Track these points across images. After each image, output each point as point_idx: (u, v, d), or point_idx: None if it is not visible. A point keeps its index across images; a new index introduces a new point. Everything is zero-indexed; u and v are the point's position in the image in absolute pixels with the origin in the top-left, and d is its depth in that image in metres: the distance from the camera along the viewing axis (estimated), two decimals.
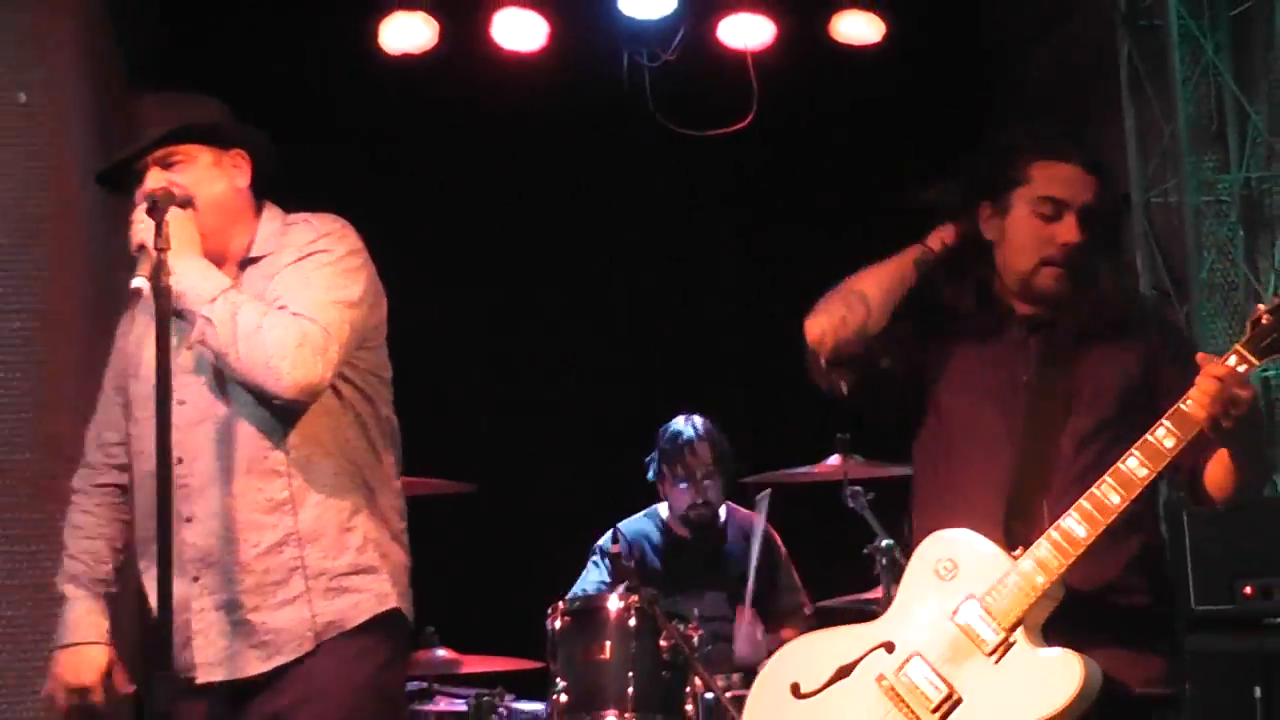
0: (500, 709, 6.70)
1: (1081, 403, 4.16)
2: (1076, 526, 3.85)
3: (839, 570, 7.34)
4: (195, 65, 8.86)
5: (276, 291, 4.42)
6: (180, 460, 4.38)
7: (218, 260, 4.47)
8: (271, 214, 4.68)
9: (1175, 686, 4.21)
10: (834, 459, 6.98)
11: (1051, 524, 3.94)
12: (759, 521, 7.23)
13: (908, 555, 4.28)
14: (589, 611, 6.46)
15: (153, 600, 4.34)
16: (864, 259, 8.27)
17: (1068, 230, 4.11)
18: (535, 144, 8.92)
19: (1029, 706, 3.85)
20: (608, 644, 6.32)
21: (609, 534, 7.26)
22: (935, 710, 3.95)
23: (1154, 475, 3.88)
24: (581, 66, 8.60)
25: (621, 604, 6.36)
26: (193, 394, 4.46)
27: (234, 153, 4.62)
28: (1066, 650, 3.86)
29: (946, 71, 9.34)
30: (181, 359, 4.44)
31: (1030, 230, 4.17)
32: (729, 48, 8.55)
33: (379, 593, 4.46)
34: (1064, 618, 3.95)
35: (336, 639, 4.39)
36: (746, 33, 8.49)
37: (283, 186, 4.75)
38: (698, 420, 7.48)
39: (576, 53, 8.56)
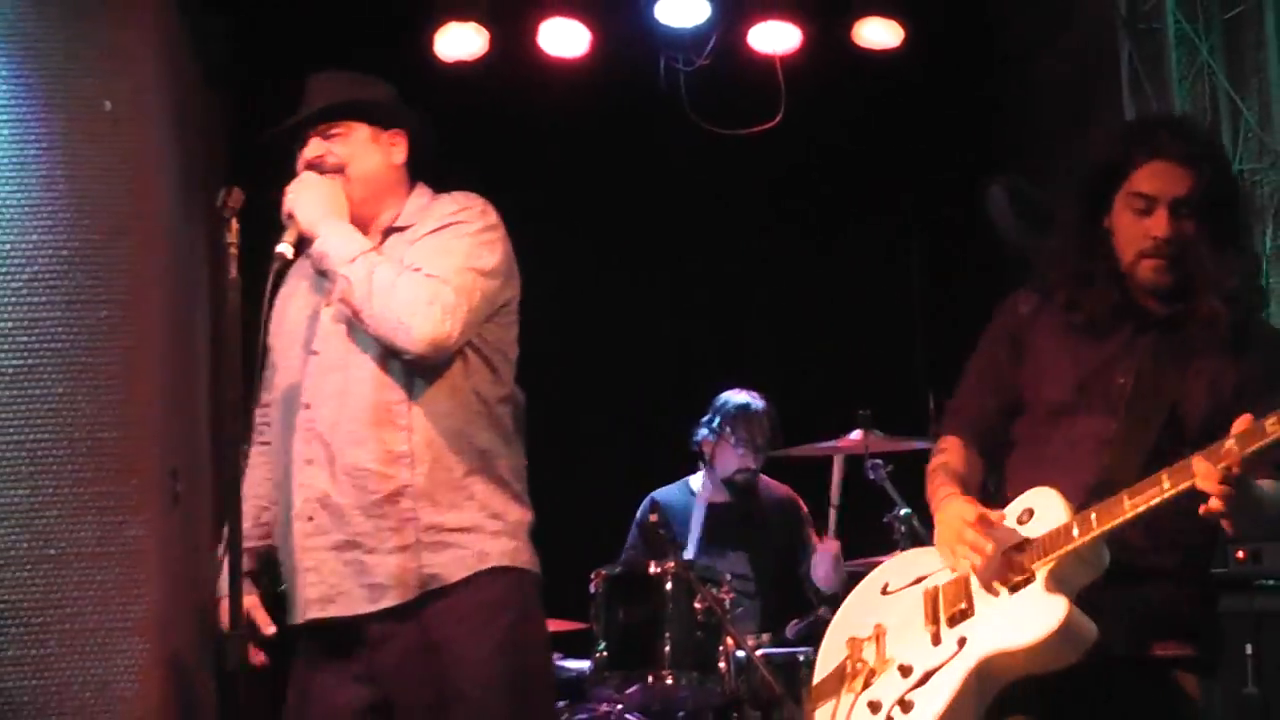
0: None
1: (1175, 419, 4.07)
2: (1127, 499, 3.79)
3: (859, 537, 7.39)
4: (263, 75, 9.06)
5: (414, 257, 4.49)
6: (308, 405, 4.54)
7: (364, 227, 4.58)
8: (421, 191, 4.80)
9: (1198, 648, 4.12)
10: (856, 434, 7.04)
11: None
12: (836, 468, 7.32)
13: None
14: (628, 578, 6.55)
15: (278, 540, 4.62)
16: (882, 247, 8.40)
17: (1158, 224, 4.05)
18: (579, 142, 8.98)
19: (1006, 634, 3.88)
20: (646, 607, 6.43)
21: (646, 503, 7.39)
22: (949, 619, 4.03)
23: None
24: (621, 71, 8.64)
25: (658, 570, 6.45)
26: (329, 346, 4.56)
27: (393, 132, 4.76)
28: (1063, 598, 3.84)
29: (960, 72, 9.34)
30: (323, 313, 4.59)
31: (1126, 226, 4.13)
32: (759, 53, 8.59)
33: (481, 551, 4.49)
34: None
35: (439, 590, 4.43)
36: (775, 38, 8.54)
37: (440, 168, 4.86)
38: (760, 397, 7.58)
39: (617, 58, 8.60)
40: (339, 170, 4.62)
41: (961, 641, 3.98)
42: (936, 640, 4.05)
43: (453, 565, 4.44)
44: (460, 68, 8.37)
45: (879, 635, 4.22)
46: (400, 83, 8.32)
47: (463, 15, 8.28)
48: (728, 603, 6.44)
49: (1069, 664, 3.89)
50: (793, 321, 9.20)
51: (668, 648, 6.35)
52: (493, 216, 4.67)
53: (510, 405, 4.73)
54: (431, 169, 4.91)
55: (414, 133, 4.83)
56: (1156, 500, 3.75)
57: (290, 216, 4.48)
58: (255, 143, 4.79)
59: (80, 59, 7.36)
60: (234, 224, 4.27)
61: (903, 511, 6.82)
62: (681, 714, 6.85)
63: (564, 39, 8.47)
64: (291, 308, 4.76)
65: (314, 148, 4.68)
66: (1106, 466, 4.04)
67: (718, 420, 7.58)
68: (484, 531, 4.51)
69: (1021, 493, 4.12)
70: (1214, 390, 4.08)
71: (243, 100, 9.17)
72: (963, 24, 9.27)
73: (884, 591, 4.37)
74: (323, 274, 4.52)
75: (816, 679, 4.34)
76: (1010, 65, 9.57)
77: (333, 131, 4.69)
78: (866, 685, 4.13)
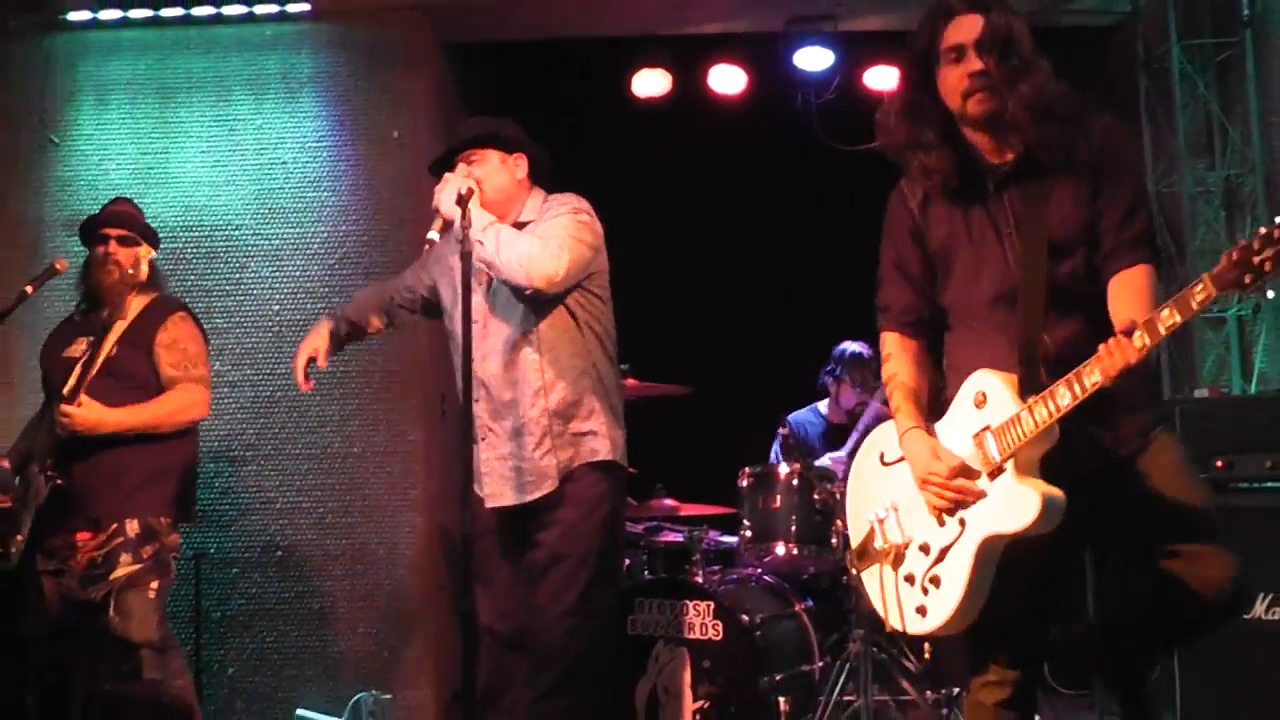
0: (706, 540, 6.72)
1: (1058, 243, 3.69)
2: (1063, 388, 3.47)
3: None
4: (509, 109, 9.27)
5: (535, 233, 4.65)
6: (478, 358, 4.71)
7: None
8: (537, 193, 4.90)
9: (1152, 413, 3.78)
10: None
11: (1049, 373, 3.57)
12: None
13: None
14: (766, 475, 6.56)
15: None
16: None
17: (970, 63, 3.65)
18: (738, 156, 8.96)
19: (996, 521, 3.65)
20: (779, 497, 6.47)
21: (783, 426, 7.51)
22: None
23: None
24: (769, 104, 8.60)
25: (788, 469, 6.51)
26: (485, 315, 4.75)
27: (516, 155, 4.87)
28: (1033, 489, 3.58)
29: None
30: (478, 293, 4.73)
31: (948, 78, 3.72)
32: (871, 89, 8.56)
33: (595, 448, 4.71)
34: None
35: (570, 475, 4.65)
36: (884, 79, 8.51)
37: (554, 178, 4.99)
38: (868, 347, 7.54)
39: (766, 94, 8.59)
40: (475, 186, 4.68)
41: (962, 523, 3.75)
42: (940, 522, 3.81)
43: (579, 456, 4.68)
44: (650, 103, 8.48)
45: (894, 511, 3.96)
46: (604, 114, 8.51)
47: (652, 63, 8.46)
48: (838, 495, 6.41)
49: (1054, 527, 3.61)
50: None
51: (794, 527, 6.41)
52: (588, 208, 4.83)
53: (607, 337, 4.87)
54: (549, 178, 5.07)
55: (532, 155, 4.94)
56: (1090, 389, 3.43)
57: (436, 210, 4.58)
58: (429, 168, 4.94)
59: (377, 100, 7.63)
60: (469, 213, 4.50)
61: None
62: (804, 576, 6.89)
63: (727, 80, 8.54)
64: (450, 275, 4.93)
65: (460, 169, 4.81)
66: (1024, 324, 3.68)
67: (837, 367, 7.62)
68: (600, 436, 4.73)
69: (964, 371, 3.77)
70: (1077, 205, 3.70)
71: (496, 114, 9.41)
72: None
73: (883, 461, 4.05)
74: (466, 248, 4.50)
75: (853, 543, 4.11)
76: None
77: (473, 157, 4.83)
78: (899, 561, 3.94)
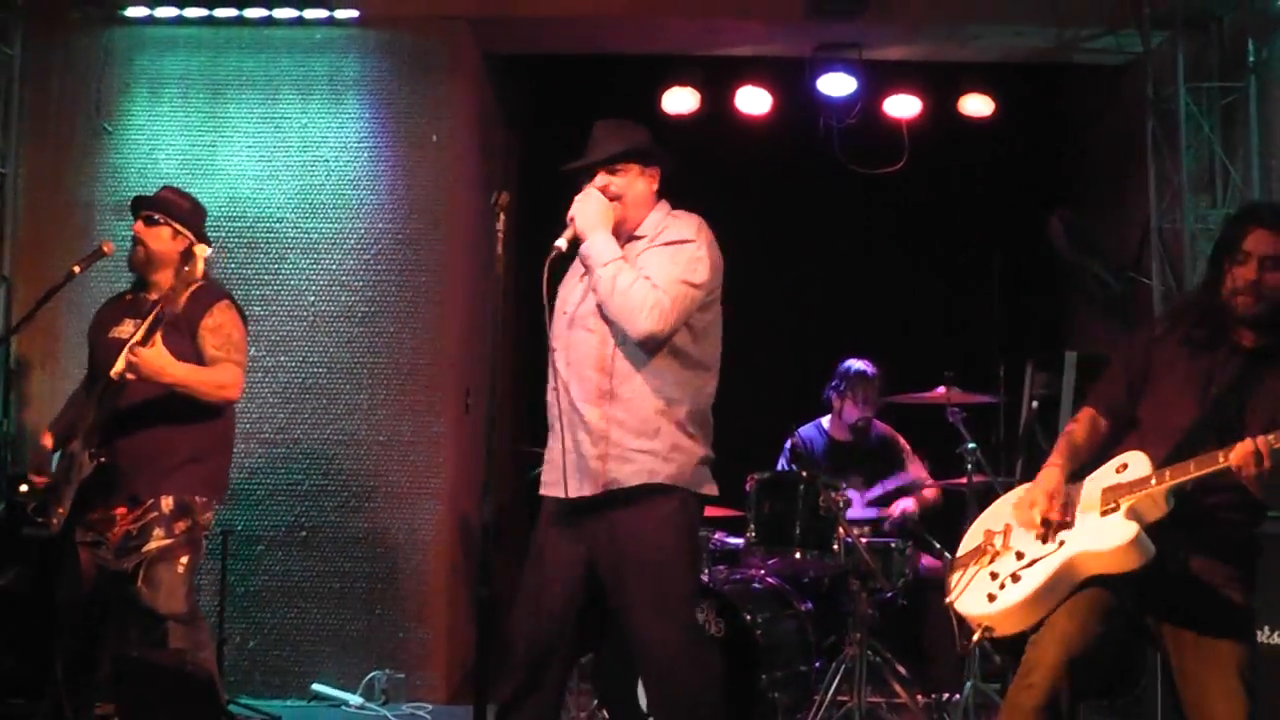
0: (712, 541, 6.77)
1: (1250, 412, 4.14)
2: (1192, 466, 3.98)
3: (940, 464, 7.42)
4: (545, 120, 9.27)
5: (647, 262, 4.49)
6: (554, 349, 4.60)
7: (619, 231, 4.57)
8: (661, 207, 4.71)
9: (1244, 596, 4.21)
10: (941, 389, 6.98)
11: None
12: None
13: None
14: (774, 482, 6.58)
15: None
16: (972, 258, 8.43)
17: (1248, 270, 4.15)
18: (762, 174, 9.06)
19: (1092, 540, 4.08)
20: (784, 503, 6.46)
21: (791, 435, 7.51)
22: (1056, 527, 4.20)
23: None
24: (793, 126, 8.65)
25: (796, 476, 6.53)
26: (577, 311, 4.59)
27: (653, 168, 4.71)
28: (1135, 524, 4.04)
29: (1034, 134, 9.31)
30: (580, 293, 4.61)
31: (1229, 275, 4.21)
32: (890, 116, 8.67)
33: (650, 469, 4.45)
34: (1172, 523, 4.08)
35: (618, 490, 4.45)
36: (902, 107, 8.66)
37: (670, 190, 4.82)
38: (871, 365, 7.52)
39: (790, 117, 8.64)
40: (618, 198, 4.59)
41: (1061, 543, 4.16)
42: (1044, 540, 4.20)
43: (629, 475, 4.44)
44: (679, 119, 8.53)
45: (1006, 530, 4.35)
46: None
47: (682, 82, 8.53)
48: (842, 503, 6.43)
49: (1132, 570, 4.04)
50: (905, 308, 9.14)
51: (798, 532, 6.40)
52: (706, 235, 4.59)
53: (699, 366, 4.61)
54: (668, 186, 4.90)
55: (666, 169, 4.78)
56: (1211, 468, 3.93)
57: (571, 220, 4.48)
58: (561, 172, 4.72)
59: (418, 105, 7.72)
60: (502, 217, 4.34)
61: (970, 446, 6.72)
62: (805, 579, 6.92)
63: (753, 102, 8.59)
64: (563, 288, 4.76)
65: (600, 180, 4.62)
66: (1183, 443, 4.11)
67: (841, 383, 7.56)
68: (658, 456, 4.47)
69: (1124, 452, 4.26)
70: (1276, 403, 4.14)
71: (529, 136, 9.50)
72: (1038, 101, 9.24)
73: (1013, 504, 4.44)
74: (586, 266, 4.51)
75: (960, 553, 4.47)
76: (1070, 131, 9.51)
77: (616, 169, 4.63)
78: (991, 561, 4.30)
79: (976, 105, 8.64)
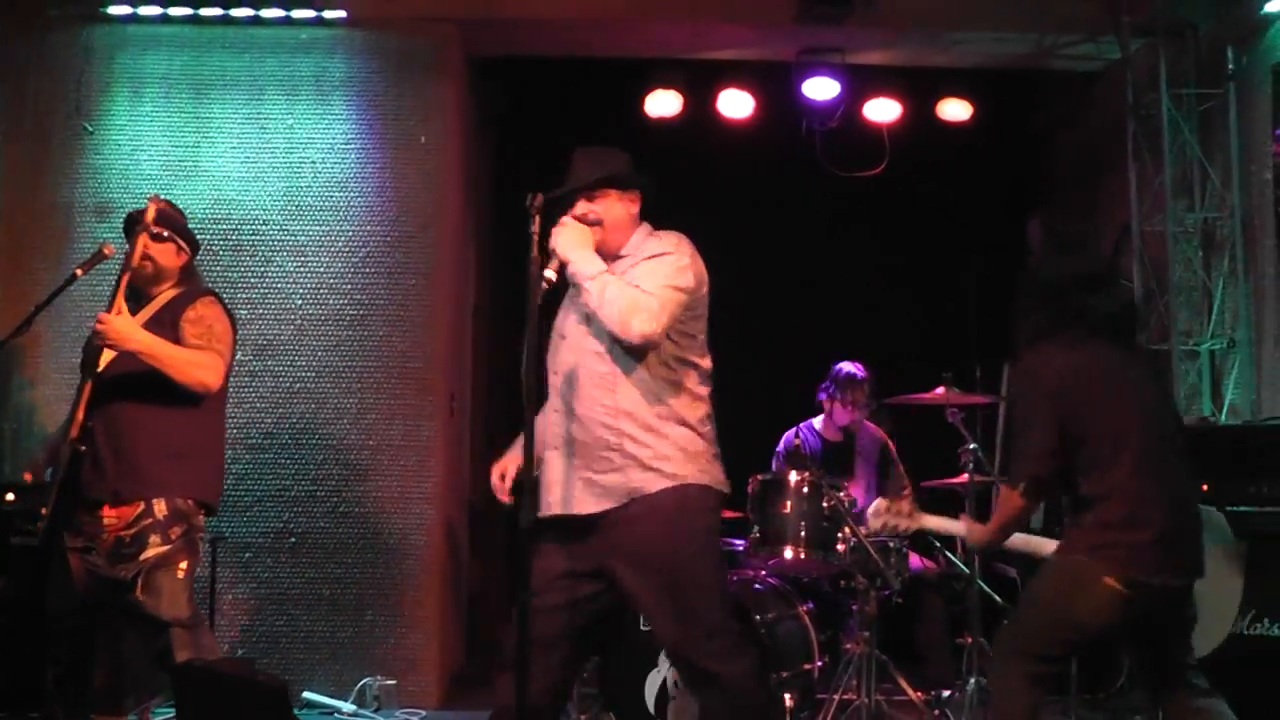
0: None
1: None
2: None
3: (939, 463, 7.25)
4: (523, 122, 9.12)
5: (635, 275, 4.48)
6: (555, 373, 4.57)
7: (605, 254, 4.56)
8: (643, 228, 4.70)
9: None
10: (940, 389, 6.85)
11: None
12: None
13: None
14: (776, 482, 6.45)
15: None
16: (952, 260, 8.30)
17: None
18: (744, 177, 8.92)
19: None
20: (788, 503, 6.34)
21: (791, 433, 7.36)
22: None
23: None
24: (775, 129, 8.58)
25: (798, 478, 6.38)
26: (572, 334, 4.57)
27: (631, 192, 4.68)
28: None
29: (1011, 139, 9.27)
30: (571, 313, 4.61)
31: None
32: (871, 120, 8.61)
33: (671, 473, 4.42)
34: None
35: (641, 499, 4.41)
36: (883, 111, 8.60)
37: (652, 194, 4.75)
38: (862, 369, 7.45)
39: (773, 120, 8.57)
40: (598, 223, 4.58)
41: None
42: None
43: (651, 482, 4.42)
44: (662, 122, 8.46)
45: None
46: (619, 132, 8.37)
47: (666, 85, 8.43)
48: (847, 503, 6.35)
49: None
50: (895, 307, 9.10)
51: (802, 532, 6.30)
52: (688, 248, 4.61)
53: (694, 369, 4.60)
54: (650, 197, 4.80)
55: (646, 192, 4.76)
56: None
57: (553, 251, 4.43)
58: (547, 198, 4.44)
59: (405, 107, 7.53)
60: (536, 219, 4.22)
61: (970, 446, 6.65)
62: (805, 579, 6.82)
63: (736, 105, 8.52)
64: (560, 313, 4.74)
65: (580, 207, 4.62)
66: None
67: (832, 386, 7.50)
68: (673, 460, 4.46)
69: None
70: None
71: (504, 137, 9.30)
72: (1014, 105, 9.18)
73: None
74: (574, 284, 4.50)
75: None
76: (1047, 135, 9.47)
77: (594, 195, 4.62)
78: None
79: (955, 110, 8.64)
